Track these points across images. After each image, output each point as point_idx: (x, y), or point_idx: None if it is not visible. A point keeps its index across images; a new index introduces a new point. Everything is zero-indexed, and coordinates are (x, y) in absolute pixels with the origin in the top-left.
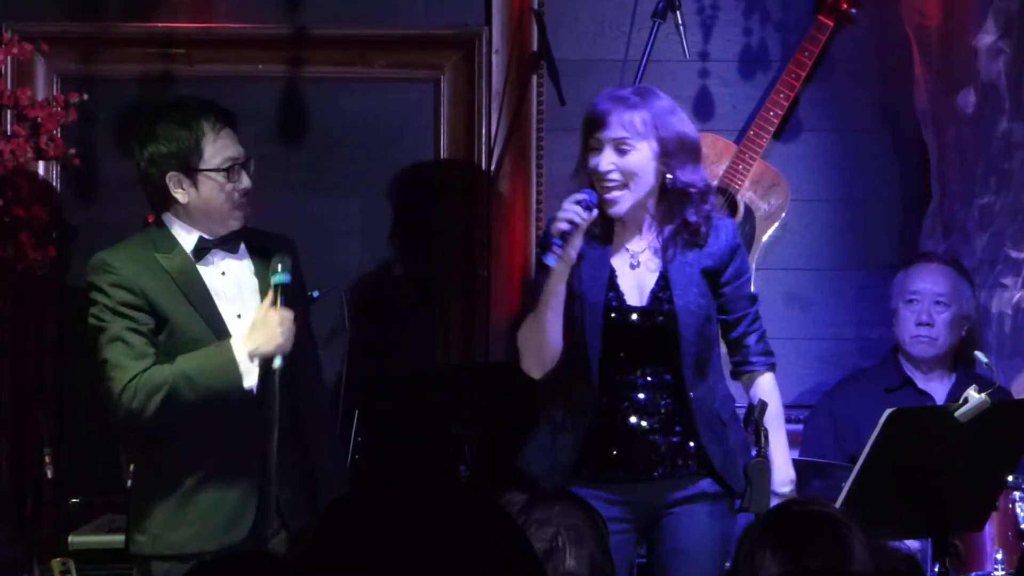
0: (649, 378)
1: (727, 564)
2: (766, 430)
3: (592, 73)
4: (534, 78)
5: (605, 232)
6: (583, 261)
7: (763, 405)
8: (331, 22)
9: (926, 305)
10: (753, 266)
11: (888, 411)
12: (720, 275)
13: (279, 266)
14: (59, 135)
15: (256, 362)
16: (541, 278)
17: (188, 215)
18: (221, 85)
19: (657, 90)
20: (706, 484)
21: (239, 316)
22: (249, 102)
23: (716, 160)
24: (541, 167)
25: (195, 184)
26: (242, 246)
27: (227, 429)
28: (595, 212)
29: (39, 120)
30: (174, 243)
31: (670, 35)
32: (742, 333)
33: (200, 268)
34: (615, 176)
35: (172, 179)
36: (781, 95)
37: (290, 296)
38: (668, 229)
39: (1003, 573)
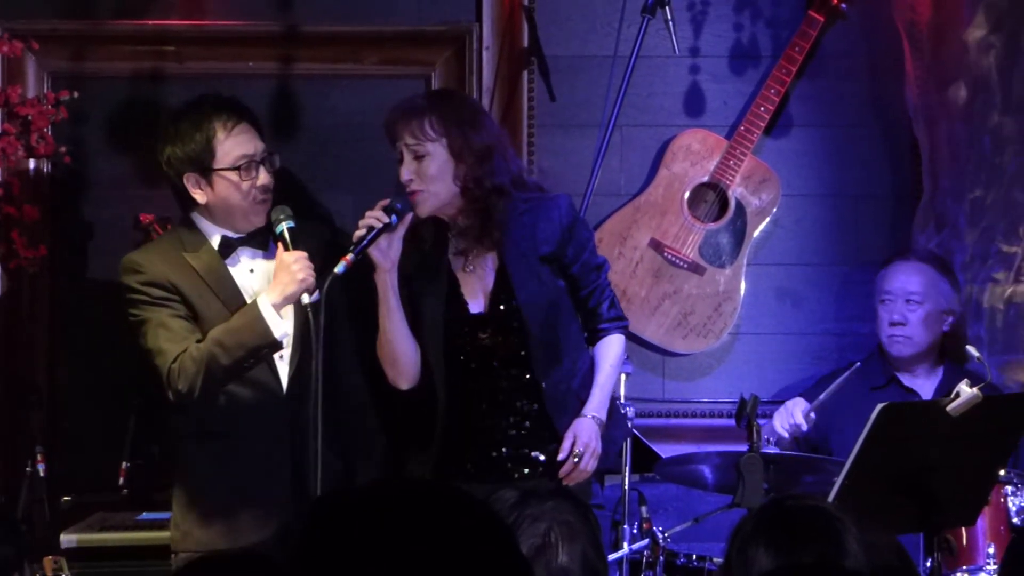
0: (503, 381)
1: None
2: (758, 425)
3: (582, 69)
4: (525, 74)
5: (439, 241)
6: (420, 276)
7: (755, 400)
8: (322, 19)
9: (898, 305)
10: (744, 261)
11: (880, 405)
12: (563, 256)
13: (281, 216)
14: (50, 133)
15: (285, 313)
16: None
17: (211, 214)
18: (212, 83)
19: (453, 91)
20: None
21: None
22: (240, 100)
23: (707, 156)
24: (532, 163)
25: (211, 184)
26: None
27: (263, 427)
28: (408, 216)
29: (30, 118)
30: (202, 241)
31: (660, 31)
32: (595, 304)
33: (229, 266)
34: (416, 185)
35: (189, 180)
36: (772, 91)
37: (298, 240)
38: (475, 227)
39: (995, 567)
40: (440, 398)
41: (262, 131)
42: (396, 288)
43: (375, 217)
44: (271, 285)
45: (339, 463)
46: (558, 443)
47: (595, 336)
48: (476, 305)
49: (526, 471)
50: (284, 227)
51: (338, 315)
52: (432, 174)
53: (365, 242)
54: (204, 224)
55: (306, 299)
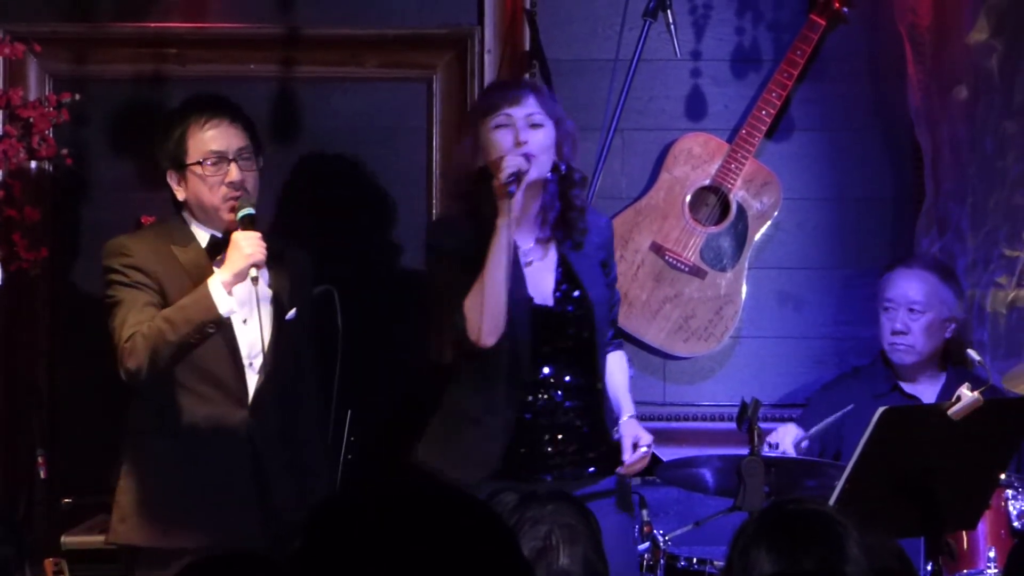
0: (566, 377)
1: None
2: (760, 429)
3: (584, 73)
4: (526, 77)
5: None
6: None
7: (756, 404)
8: (323, 22)
9: (900, 313)
10: (745, 265)
11: (881, 409)
12: (607, 264)
13: (244, 204)
14: (51, 135)
15: (234, 292)
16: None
17: (192, 212)
18: (213, 85)
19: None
20: (608, 482)
21: (244, 322)
22: (241, 102)
23: (708, 159)
24: None
25: (185, 180)
26: None
27: (224, 431)
28: (529, 173)
29: (31, 120)
30: (191, 238)
31: (662, 34)
32: (614, 319)
33: (215, 267)
34: (530, 149)
35: (171, 178)
36: (773, 94)
37: (255, 226)
38: (555, 215)
39: (996, 571)
40: (518, 380)
41: (253, 130)
42: (512, 241)
43: (517, 162)
44: (221, 268)
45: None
46: (605, 443)
47: (609, 349)
48: (540, 297)
49: (591, 469)
50: (244, 213)
51: (306, 336)
52: (545, 144)
53: (520, 174)
54: (192, 223)
55: (253, 273)
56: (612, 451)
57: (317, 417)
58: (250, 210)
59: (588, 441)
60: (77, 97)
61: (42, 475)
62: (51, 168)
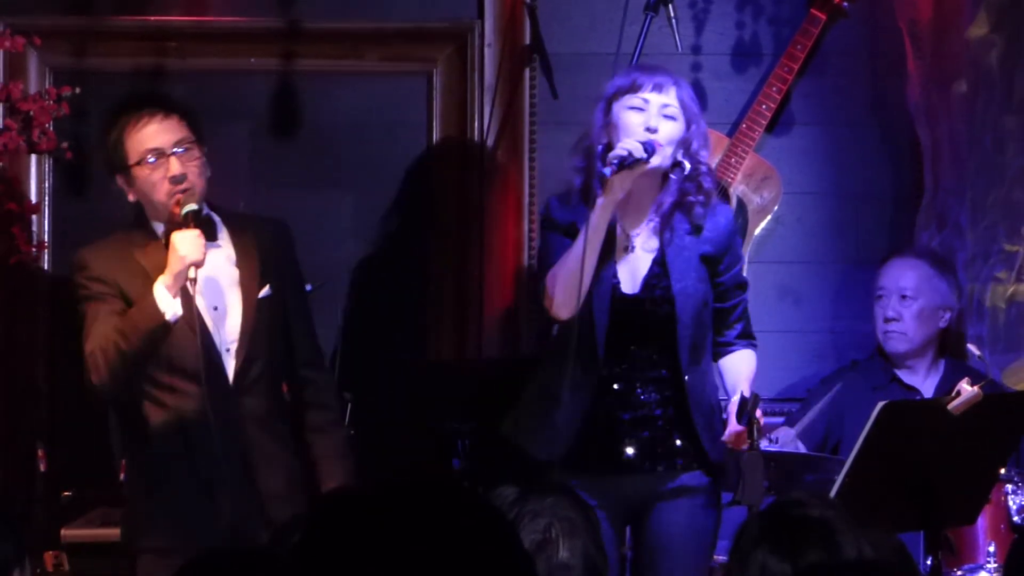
0: (647, 368)
1: (717, 558)
2: (759, 422)
3: (585, 67)
4: (527, 72)
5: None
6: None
7: (756, 398)
8: (324, 15)
9: (892, 300)
10: (745, 259)
11: (880, 404)
12: (719, 262)
13: (186, 201)
14: (51, 129)
15: (178, 295)
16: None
17: (150, 212)
18: (214, 79)
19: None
20: (688, 478)
21: (215, 308)
22: (242, 96)
23: (709, 154)
24: (534, 161)
25: (131, 183)
26: (223, 234)
27: (205, 422)
28: (649, 162)
29: (31, 114)
30: (151, 239)
31: (662, 28)
32: (736, 318)
33: None
34: (659, 138)
35: (121, 182)
36: (774, 88)
37: (199, 221)
38: (668, 206)
39: (995, 566)
40: (598, 360)
41: (192, 119)
42: (607, 224)
43: (633, 146)
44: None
45: (296, 461)
46: (688, 442)
47: (725, 350)
48: (629, 286)
49: (659, 468)
50: (188, 209)
51: (294, 304)
52: (673, 137)
53: (628, 161)
54: (152, 223)
55: (192, 273)
56: (693, 447)
57: (318, 362)
58: (193, 206)
59: (664, 435)
60: (77, 90)
61: (42, 468)
62: (51, 162)
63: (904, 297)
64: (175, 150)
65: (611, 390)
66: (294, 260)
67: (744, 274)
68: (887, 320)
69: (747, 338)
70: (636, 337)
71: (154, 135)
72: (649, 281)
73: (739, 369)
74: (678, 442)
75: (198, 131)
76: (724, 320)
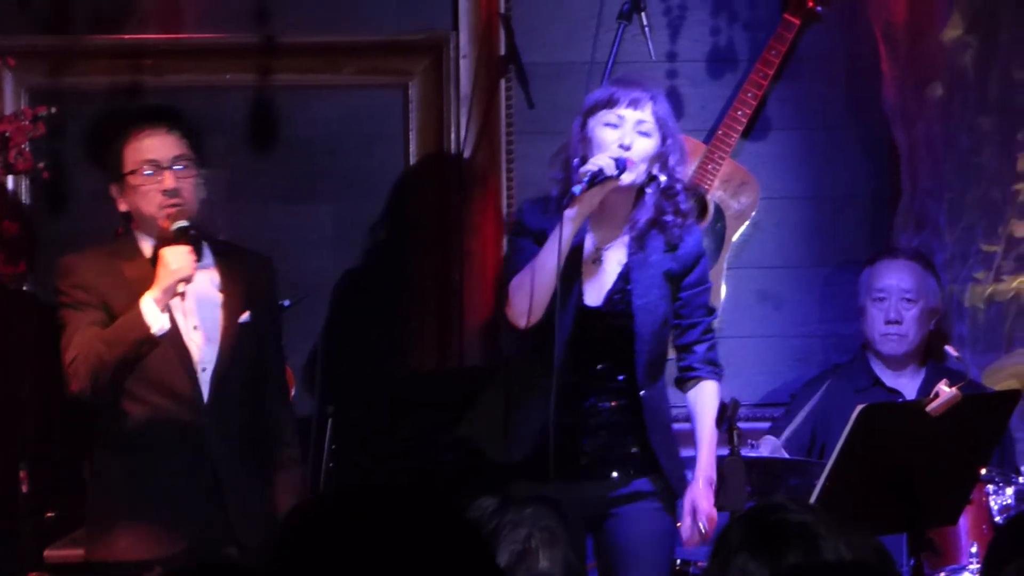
0: (605, 379)
1: (678, 561)
2: (739, 429)
3: (561, 76)
4: (503, 82)
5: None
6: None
7: (735, 404)
8: (299, 29)
9: (894, 302)
10: (724, 265)
11: (860, 407)
12: (681, 279)
13: (177, 217)
14: (28, 149)
15: (166, 309)
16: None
17: (137, 224)
18: (190, 95)
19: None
20: (641, 483)
21: (195, 328)
22: (218, 111)
23: (686, 169)
24: (511, 171)
25: (124, 191)
26: (209, 257)
27: (177, 438)
28: (621, 178)
29: (7, 134)
30: (137, 252)
31: (637, 36)
32: (693, 340)
33: None
34: (632, 155)
35: (114, 191)
36: (749, 94)
37: (189, 239)
38: (643, 223)
39: (978, 566)
40: (553, 370)
41: (194, 139)
42: (571, 238)
43: (605, 162)
44: (154, 281)
45: (266, 486)
46: (643, 450)
47: (687, 375)
48: (593, 298)
49: (613, 474)
50: (178, 226)
51: (268, 338)
52: (647, 154)
53: (599, 177)
54: (140, 236)
55: (181, 288)
56: (647, 455)
57: (286, 419)
58: (184, 223)
59: (619, 442)
60: (53, 110)
61: (24, 489)
62: (28, 182)
63: (907, 299)
64: (173, 166)
65: (570, 399)
66: (274, 296)
67: (712, 301)
68: (889, 322)
69: (714, 366)
70: (596, 349)
71: (154, 147)
72: (612, 295)
73: (705, 411)
74: (633, 449)
75: (199, 153)
76: (685, 337)
